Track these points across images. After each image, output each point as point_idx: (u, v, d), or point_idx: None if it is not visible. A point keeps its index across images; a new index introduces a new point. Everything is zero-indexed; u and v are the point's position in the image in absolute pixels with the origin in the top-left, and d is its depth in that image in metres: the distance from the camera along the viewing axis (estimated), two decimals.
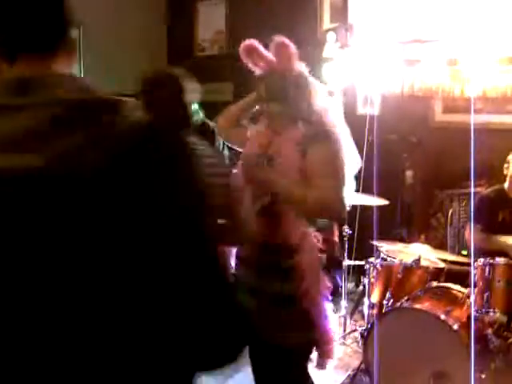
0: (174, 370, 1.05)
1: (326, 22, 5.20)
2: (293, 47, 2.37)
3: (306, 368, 2.44)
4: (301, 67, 2.41)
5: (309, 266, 2.27)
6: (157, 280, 0.97)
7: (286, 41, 2.37)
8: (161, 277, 0.98)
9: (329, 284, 2.35)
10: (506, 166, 3.78)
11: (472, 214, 3.66)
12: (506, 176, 3.79)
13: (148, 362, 1.00)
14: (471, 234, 3.65)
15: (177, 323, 1.00)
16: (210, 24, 5.92)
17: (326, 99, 2.41)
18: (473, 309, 3.10)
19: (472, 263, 3.23)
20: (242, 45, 2.43)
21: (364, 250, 3.86)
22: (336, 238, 4.35)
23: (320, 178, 2.21)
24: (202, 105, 4.18)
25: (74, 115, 0.94)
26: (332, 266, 2.38)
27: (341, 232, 4.18)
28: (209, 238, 1.05)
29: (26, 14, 0.99)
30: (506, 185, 3.79)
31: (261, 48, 2.42)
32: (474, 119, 4.43)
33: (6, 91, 0.98)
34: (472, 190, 3.72)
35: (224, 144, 4.00)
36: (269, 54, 2.41)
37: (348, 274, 4.22)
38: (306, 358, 2.43)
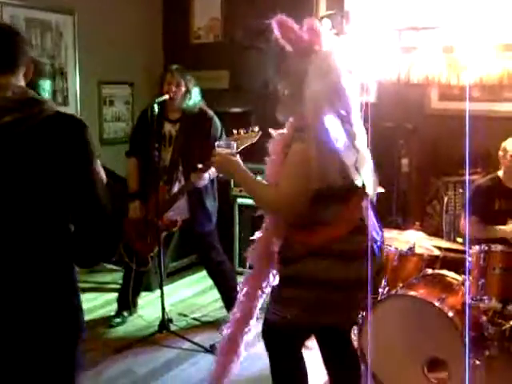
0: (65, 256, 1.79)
1: (322, 9, 5.17)
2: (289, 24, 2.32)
3: (280, 348, 2.55)
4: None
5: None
6: (62, 194, 1.73)
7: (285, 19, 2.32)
8: (65, 193, 1.73)
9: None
10: (500, 153, 3.79)
11: (467, 203, 3.66)
12: (501, 164, 3.80)
13: (50, 248, 1.76)
14: (466, 224, 3.66)
15: (74, 222, 1.78)
16: (206, 11, 5.89)
17: (337, 88, 2.29)
18: (467, 297, 3.11)
19: (467, 254, 3.23)
20: (274, 19, 2.33)
21: None
22: None
23: (282, 178, 2.30)
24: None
25: (13, 105, 1.70)
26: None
27: None
28: (94, 179, 1.77)
29: None
30: (500, 173, 3.79)
31: (291, 23, 2.33)
32: (470, 107, 4.42)
33: None
34: (467, 178, 3.72)
35: (222, 131, 3.99)
36: (300, 31, 2.33)
37: None
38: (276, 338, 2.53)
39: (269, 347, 2.55)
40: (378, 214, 2.53)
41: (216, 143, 2.55)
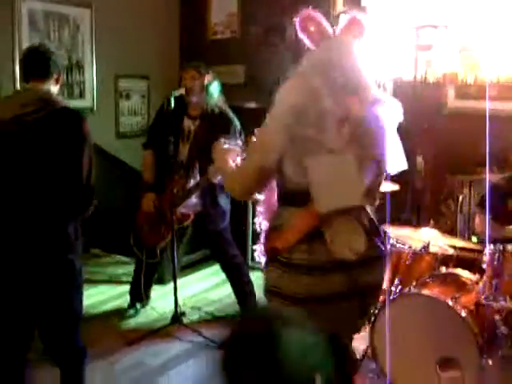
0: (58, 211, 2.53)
1: (339, 6, 5.16)
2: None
3: None
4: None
5: None
6: (57, 170, 2.49)
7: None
8: (59, 168, 2.49)
9: None
10: None
11: (487, 202, 3.61)
12: None
13: (51, 204, 2.51)
14: (483, 223, 3.62)
15: (63, 186, 2.51)
16: (223, 7, 5.89)
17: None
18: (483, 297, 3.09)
19: (487, 251, 3.19)
20: (300, 15, 2.21)
21: None
22: None
23: None
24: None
25: (39, 103, 2.54)
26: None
27: None
28: (84, 158, 2.53)
29: (33, 65, 2.66)
30: None
31: (318, 15, 2.22)
32: (486, 105, 4.40)
33: (15, 92, 3.21)
34: (487, 176, 3.69)
35: (240, 132, 3.99)
36: (325, 24, 2.22)
37: None
38: None
39: None
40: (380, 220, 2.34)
41: (223, 140, 2.58)
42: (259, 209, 2.54)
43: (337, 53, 2.18)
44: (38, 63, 2.66)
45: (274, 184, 2.35)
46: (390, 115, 2.23)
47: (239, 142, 2.58)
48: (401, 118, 2.26)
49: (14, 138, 2.51)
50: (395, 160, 2.28)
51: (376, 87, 2.24)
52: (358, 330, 2.48)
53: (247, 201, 2.87)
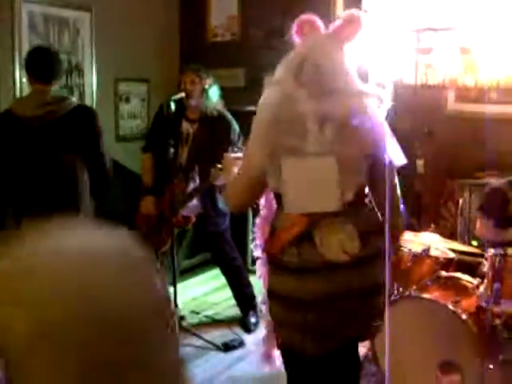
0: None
1: (340, 9, 5.16)
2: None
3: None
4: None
5: None
6: (80, 154, 3.08)
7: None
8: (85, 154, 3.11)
9: None
10: None
11: (485, 207, 3.60)
12: None
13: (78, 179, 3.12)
14: (484, 227, 3.61)
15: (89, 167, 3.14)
16: (223, 9, 5.89)
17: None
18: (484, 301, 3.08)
19: (488, 256, 3.18)
20: (299, 19, 2.20)
21: None
22: None
23: None
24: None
25: (51, 101, 3.03)
26: None
27: None
28: (101, 148, 3.18)
29: (42, 68, 3.06)
30: None
31: (314, 18, 2.20)
32: (487, 109, 4.40)
33: (31, 93, 3.19)
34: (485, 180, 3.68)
35: (239, 136, 3.98)
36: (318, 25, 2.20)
37: None
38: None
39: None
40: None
41: (231, 148, 2.61)
42: (260, 212, 2.56)
43: (308, 47, 2.17)
44: (46, 66, 3.04)
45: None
46: (377, 106, 2.16)
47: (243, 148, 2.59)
48: (388, 106, 2.20)
49: (37, 134, 2.94)
50: (393, 152, 2.18)
51: (359, 80, 2.18)
52: (365, 332, 2.40)
53: (242, 212, 3.14)
